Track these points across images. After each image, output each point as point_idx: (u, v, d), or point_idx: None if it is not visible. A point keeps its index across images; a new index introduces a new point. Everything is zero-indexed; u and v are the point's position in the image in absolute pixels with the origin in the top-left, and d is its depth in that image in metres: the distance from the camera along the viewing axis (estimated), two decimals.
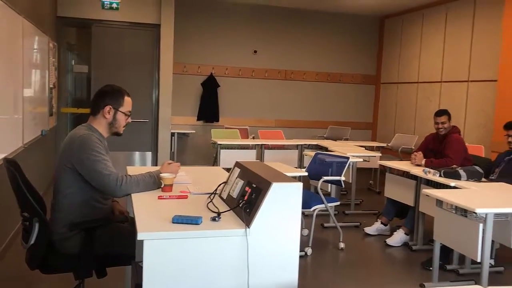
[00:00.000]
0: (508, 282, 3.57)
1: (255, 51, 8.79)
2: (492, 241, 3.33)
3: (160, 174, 2.61)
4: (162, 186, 2.58)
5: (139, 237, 1.88)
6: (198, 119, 8.57)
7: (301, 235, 4.62)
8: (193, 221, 2.01)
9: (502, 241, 3.51)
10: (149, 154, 7.60)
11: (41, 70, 5.56)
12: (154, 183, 2.58)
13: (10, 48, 3.99)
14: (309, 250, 4.31)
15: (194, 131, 8.42)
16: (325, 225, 5.19)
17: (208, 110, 8.55)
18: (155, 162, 7.52)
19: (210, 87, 8.54)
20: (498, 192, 3.68)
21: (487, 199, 3.45)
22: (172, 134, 7.82)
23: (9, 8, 3.86)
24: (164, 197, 2.46)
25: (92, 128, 2.61)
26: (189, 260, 1.93)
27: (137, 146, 7.47)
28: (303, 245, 4.25)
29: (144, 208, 2.27)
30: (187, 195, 2.51)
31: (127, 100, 2.68)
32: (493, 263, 3.99)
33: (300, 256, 4.15)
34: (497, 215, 3.19)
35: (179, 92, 8.20)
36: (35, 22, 4.99)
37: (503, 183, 4.00)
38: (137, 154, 7.58)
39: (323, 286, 3.67)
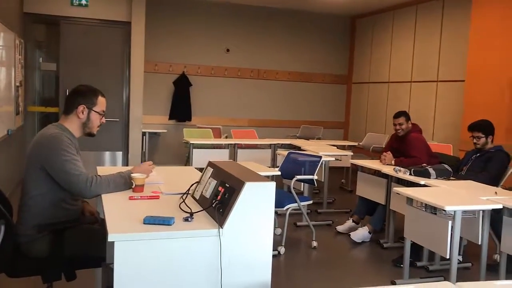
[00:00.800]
0: (475, 277, 3.66)
1: (228, 50, 8.76)
2: (460, 237, 3.41)
3: (131, 174, 2.56)
4: (133, 186, 2.54)
5: (110, 238, 1.84)
6: (170, 118, 8.48)
7: (274, 234, 4.63)
8: (165, 221, 1.98)
9: (470, 237, 3.60)
10: (119, 154, 7.48)
11: (7, 67, 5.39)
12: (125, 183, 2.53)
13: None
14: (282, 249, 4.32)
15: (166, 131, 8.33)
16: (298, 224, 5.22)
17: (180, 109, 8.47)
18: (125, 162, 7.40)
19: (182, 86, 8.47)
20: (466, 189, 3.76)
21: (455, 196, 3.53)
22: (143, 134, 7.72)
23: None
24: (135, 197, 2.42)
25: (62, 127, 2.55)
26: (162, 261, 1.90)
27: (107, 146, 7.34)
28: (276, 244, 4.26)
29: (115, 209, 2.23)
30: (159, 196, 2.48)
31: (101, 99, 2.63)
32: (461, 259, 4.09)
33: (273, 256, 4.14)
34: (465, 212, 3.27)
35: (151, 91, 8.09)
36: (1, 18, 4.84)
37: (471, 181, 4.10)
38: (107, 154, 7.45)
39: (296, 285, 3.68)
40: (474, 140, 4.50)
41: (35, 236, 2.39)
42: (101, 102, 2.63)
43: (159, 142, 8.45)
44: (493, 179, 4.26)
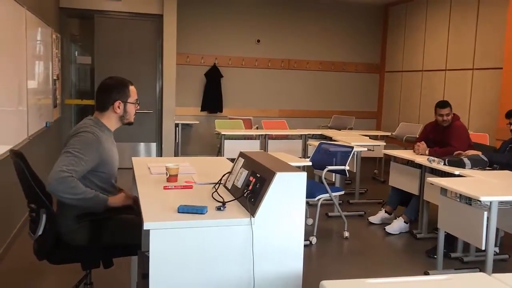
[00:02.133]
0: None
1: (258, 41, 8.76)
2: (497, 229, 3.34)
3: (166, 165, 2.62)
4: (168, 176, 2.60)
5: (145, 226, 1.89)
6: (202, 110, 8.57)
7: (306, 225, 4.65)
8: (198, 210, 2.02)
9: (506, 228, 3.52)
10: (153, 145, 7.63)
11: (45, 61, 5.57)
12: (95, 202, 2.41)
13: (13, 40, 4.00)
14: (313, 239, 4.33)
15: (198, 122, 8.43)
16: (330, 214, 5.21)
17: (212, 101, 8.54)
18: (159, 153, 7.54)
19: (213, 77, 8.53)
20: (502, 180, 3.67)
21: (491, 187, 3.45)
22: (176, 125, 7.83)
23: (12, 0, 3.85)
24: (169, 187, 2.47)
25: (99, 122, 2.59)
26: (195, 249, 1.95)
27: (141, 137, 7.49)
28: (308, 234, 4.27)
29: (150, 198, 2.29)
30: (192, 185, 2.53)
31: (132, 89, 2.67)
32: (498, 251, 4.00)
33: (305, 245, 4.16)
34: (501, 203, 3.19)
35: (183, 82, 8.19)
36: (38, 14, 4.99)
37: (508, 171, 3.99)
38: (142, 145, 7.60)
39: (328, 274, 3.69)
40: (511, 127, 4.38)
41: (74, 226, 2.47)
42: (133, 92, 2.66)
43: (191, 133, 8.56)
44: None
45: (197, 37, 8.45)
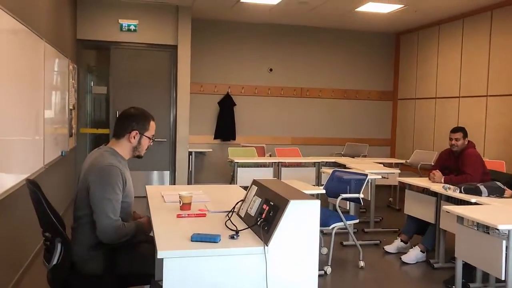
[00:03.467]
0: None
1: (271, 69, 8.85)
2: None
3: (179, 193, 2.63)
4: (181, 204, 2.60)
5: (159, 255, 1.89)
6: (215, 138, 8.62)
7: (320, 254, 4.59)
8: (211, 239, 2.02)
9: None
10: (167, 173, 7.66)
11: (62, 91, 5.68)
12: (139, 233, 2.56)
13: (32, 71, 4.10)
14: (328, 269, 4.26)
15: (211, 150, 8.47)
16: (344, 243, 5.14)
17: (225, 129, 8.60)
18: (173, 181, 7.56)
19: (226, 105, 8.61)
20: None
21: (509, 215, 3.38)
22: (190, 153, 7.87)
23: (32, 33, 3.97)
24: (182, 215, 2.47)
25: (115, 153, 2.61)
26: (209, 278, 1.93)
27: (155, 166, 7.53)
28: (322, 264, 4.21)
29: (163, 226, 2.29)
30: (205, 213, 2.53)
31: (152, 124, 2.69)
32: None
33: (319, 275, 4.10)
34: None
35: (196, 111, 8.28)
36: (56, 45, 5.13)
37: None
38: (155, 173, 7.64)
39: None
40: None
41: (89, 255, 2.47)
42: (152, 127, 2.68)
43: (204, 161, 8.59)
44: None
45: (211, 66, 8.58)
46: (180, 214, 2.48)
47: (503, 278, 3.11)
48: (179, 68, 7.44)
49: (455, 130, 4.80)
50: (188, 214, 2.49)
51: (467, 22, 7.47)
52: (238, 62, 8.70)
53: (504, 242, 3.06)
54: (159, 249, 1.91)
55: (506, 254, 3.06)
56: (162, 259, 1.89)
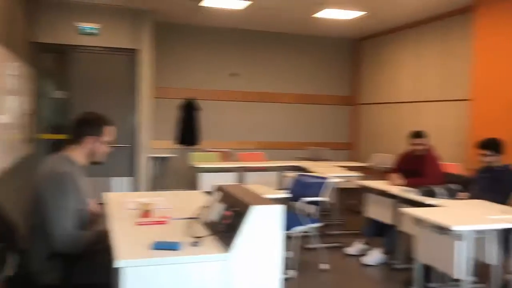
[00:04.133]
0: None
1: (234, 74, 8.86)
2: (472, 257, 3.37)
3: (139, 200, 2.59)
4: (141, 212, 2.56)
5: (118, 264, 1.85)
6: (179, 143, 8.54)
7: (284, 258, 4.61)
8: (172, 246, 2.00)
9: (481, 257, 3.56)
10: (128, 180, 7.52)
11: (17, 96, 5.49)
12: (96, 241, 2.48)
13: None
14: (292, 273, 4.28)
15: (174, 155, 8.38)
16: (307, 246, 5.18)
17: (189, 134, 8.53)
18: (134, 188, 7.43)
19: (190, 110, 8.55)
20: (473, 208, 3.74)
21: (463, 216, 3.51)
22: (152, 159, 7.77)
23: None
24: (143, 223, 2.44)
25: (70, 159, 2.55)
26: (170, 287, 1.91)
27: (115, 172, 7.38)
28: (285, 267, 4.23)
29: (122, 234, 2.24)
30: (166, 221, 2.49)
31: (108, 129, 2.62)
32: (474, 279, 4.02)
33: (284, 279, 4.12)
34: (474, 231, 3.24)
35: (159, 116, 8.18)
36: (10, 48, 4.95)
37: (478, 200, 4.07)
38: (115, 180, 7.49)
39: None
40: (483, 158, 4.47)
41: (45, 266, 2.40)
42: (108, 132, 2.62)
43: (167, 167, 8.50)
44: (505, 199, 4.23)
45: (174, 70, 8.51)
46: (140, 222, 2.44)
47: (455, 277, 3.22)
48: (141, 72, 7.34)
49: (418, 135, 4.92)
50: (148, 222, 2.46)
51: (422, 30, 7.71)
52: (202, 66, 8.67)
53: (457, 242, 3.17)
54: (117, 258, 1.87)
55: (460, 254, 3.17)
56: (121, 268, 1.86)
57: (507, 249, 3.59)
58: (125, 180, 7.52)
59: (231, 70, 8.85)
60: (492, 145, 4.47)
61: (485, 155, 4.44)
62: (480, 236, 3.36)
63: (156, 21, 7.58)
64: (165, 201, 3.00)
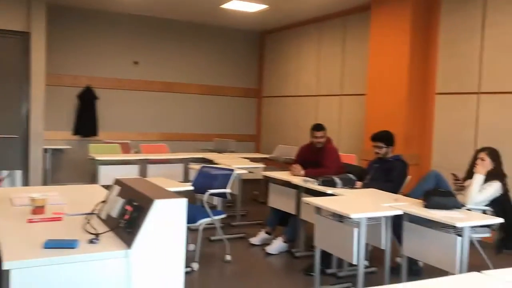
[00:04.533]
0: (381, 281, 3.86)
1: (136, 62, 8.55)
2: (366, 243, 3.58)
3: (30, 195, 2.39)
4: (33, 208, 2.36)
5: (5, 266, 1.69)
6: (75, 134, 8.06)
7: (187, 251, 4.55)
8: (68, 244, 1.86)
9: (374, 243, 3.80)
10: (18, 173, 6.94)
11: None
12: None
13: None
14: (195, 265, 4.25)
15: (70, 147, 7.90)
16: (212, 238, 5.18)
17: (86, 124, 8.09)
18: (26, 182, 6.89)
19: (87, 99, 8.10)
20: (369, 197, 3.97)
21: (360, 204, 3.71)
22: (45, 151, 7.25)
23: None
24: (34, 220, 2.25)
25: None
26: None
27: (4, 164, 6.78)
28: (189, 260, 4.19)
29: (11, 233, 2.05)
30: (61, 217, 2.33)
31: None
32: (367, 263, 4.30)
33: (187, 272, 4.08)
34: (369, 219, 3.44)
35: (53, 105, 7.64)
36: None
37: (373, 189, 4.34)
38: (4, 174, 6.88)
39: None
40: (376, 150, 4.76)
41: None
42: None
43: (63, 159, 7.99)
44: (396, 188, 4.55)
45: (69, 56, 7.99)
46: (31, 219, 2.25)
47: (354, 263, 3.40)
48: (33, 57, 6.78)
49: (319, 128, 5.10)
50: (41, 219, 2.27)
51: (324, 26, 8.03)
52: (100, 53, 8.24)
53: (355, 229, 3.35)
54: (5, 259, 1.70)
55: (357, 240, 3.35)
56: (9, 271, 1.69)
57: (398, 234, 3.87)
58: (15, 174, 6.93)
59: (133, 58, 8.52)
60: (383, 137, 4.78)
61: (378, 146, 4.74)
62: (375, 223, 3.58)
63: (49, 2, 7.05)
64: (60, 196, 2.81)
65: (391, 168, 4.65)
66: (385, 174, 4.65)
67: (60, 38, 7.79)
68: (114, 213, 2.18)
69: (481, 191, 4.02)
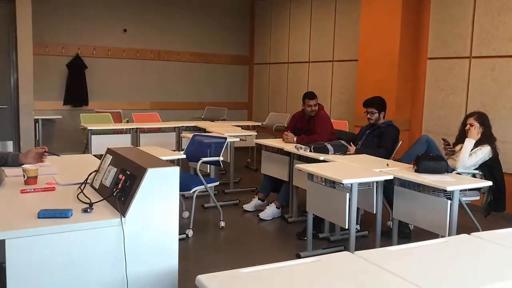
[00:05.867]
0: (372, 244, 3.94)
1: (125, 30, 8.40)
2: (358, 208, 3.64)
3: (22, 166, 2.38)
4: (25, 178, 2.36)
5: (0, 236, 1.70)
6: (65, 103, 7.99)
7: (182, 218, 4.61)
8: (62, 214, 1.87)
9: (365, 207, 3.86)
10: (10, 144, 6.91)
11: None
12: None
13: None
14: (190, 232, 4.31)
15: (61, 117, 7.84)
16: (206, 205, 5.23)
17: (76, 94, 8.00)
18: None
19: (76, 68, 7.99)
20: (360, 163, 4.01)
21: (352, 170, 3.75)
22: (36, 121, 7.19)
23: None
24: (27, 190, 2.25)
25: None
26: (61, 257, 1.80)
27: None
28: (184, 227, 4.24)
29: (5, 203, 2.06)
30: (54, 187, 2.33)
31: None
32: (359, 228, 4.38)
33: (181, 239, 4.13)
34: (360, 184, 3.49)
35: (42, 75, 7.53)
36: None
37: (365, 155, 4.38)
38: None
39: (205, 267, 3.69)
40: (368, 116, 4.77)
41: None
42: None
43: (54, 129, 7.94)
44: (388, 153, 4.59)
45: (57, 25, 7.82)
46: (24, 190, 2.25)
47: (346, 227, 3.46)
48: (18, 26, 6.62)
49: (312, 96, 5.07)
50: (34, 189, 2.27)
51: None
52: (88, 20, 8.07)
53: (347, 194, 3.40)
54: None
55: (349, 205, 3.40)
56: (3, 240, 1.71)
57: (389, 199, 3.93)
58: (7, 145, 6.90)
59: (121, 25, 8.36)
60: (375, 103, 4.78)
61: (370, 112, 4.75)
62: (366, 188, 3.63)
63: None
64: (52, 166, 2.80)
65: (383, 134, 4.68)
66: (377, 140, 4.68)
67: (46, 6, 7.60)
68: (107, 182, 2.18)
69: (471, 155, 4.07)
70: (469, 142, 4.09)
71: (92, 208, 1.97)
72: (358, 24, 6.72)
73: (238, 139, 5.77)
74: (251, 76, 9.73)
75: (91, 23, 8.09)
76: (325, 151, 4.34)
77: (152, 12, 8.59)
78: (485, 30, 5.36)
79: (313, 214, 3.84)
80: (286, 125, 7.11)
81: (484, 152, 4.08)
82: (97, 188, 2.27)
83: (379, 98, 4.83)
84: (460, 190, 3.29)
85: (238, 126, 6.81)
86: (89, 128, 5.99)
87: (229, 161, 5.81)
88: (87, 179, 2.34)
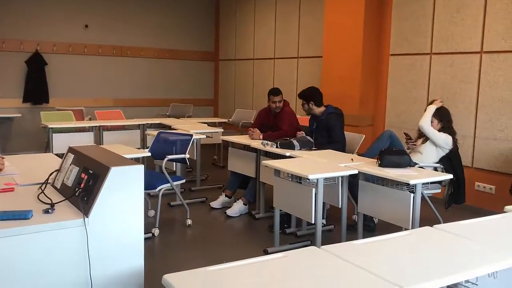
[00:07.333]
0: (338, 238, 4.00)
1: (86, 26, 8.20)
2: (324, 203, 3.68)
3: None
4: None
5: None
6: (24, 101, 7.74)
7: (148, 217, 4.54)
8: (21, 215, 1.81)
9: (331, 202, 3.91)
10: None
11: None
12: None
13: None
14: (156, 231, 4.25)
15: (20, 115, 7.58)
16: (172, 203, 5.17)
17: (36, 91, 7.76)
18: None
19: (36, 65, 7.75)
20: (326, 158, 4.05)
21: (317, 165, 3.78)
22: None
23: None
24: None
25: None
26: (21, 260, 1.74)
27: None
28: (150, 226, 4.18)
29: None
30: (13, 188, 2.25)
31: None
32: (325, 222, 4.43)
33: (147, 238, 4.07)
34: (326, 179, 3.53)
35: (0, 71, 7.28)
36: None
37: (330, 150, 4.43)
38: None
39: (171, 266, 3.65)
40: (303, 108, 4.88)
41: None
42: None
43: (12, 128, 7.68)
44: (342, 145, 4.64)
45: (14, 20, 7.55)
46: None
47: (312, 222, 3.50)
48: None
49: (276, 93, 5.10)
50: None
51: None
52: (48, 15, 7.83)
53: (313, 190, 3.43)
54: None
55: (315, 200, 3.43)
56: None
57: (354, 193, 3.99)
58: None
59: (83, 21, 8.15)
60: (301, 95, 4.87)
61: (303, 104, 4.82)
62: (332, 183, 3.68)
63: None
64: (11, 166, 2.71)
65: (328, 126, 4.70)
66: (327, 134, 4.69)
67: (4, 1, 7.33)
68: (70, 182, 2.12)
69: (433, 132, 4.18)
70: (430, 107, 4.24)
71: (54, 209, 1.91)
72: (322, 21, 6.78)
73: (204, 136, 5.73)
74: (217, 73, 9.68)
75: (50, 18, 7.86)
76: (292, 147, 4.37)
77: (114, 7, 8.41)
78: (444, 27, 5.50)
79: (281, 210, 3.86)
80: (252, 122, 7.12)
81: (444, 135, 4.17)
82: (58, 188, 2.21)
83: (306, 89, 4.92)
84: (422, 184, 3.37)
85: (204, 123, 6.77)
86: (50, 126, 5.82)
87: (195, 159, 5.76)
88: (48, 179, 2.27)
